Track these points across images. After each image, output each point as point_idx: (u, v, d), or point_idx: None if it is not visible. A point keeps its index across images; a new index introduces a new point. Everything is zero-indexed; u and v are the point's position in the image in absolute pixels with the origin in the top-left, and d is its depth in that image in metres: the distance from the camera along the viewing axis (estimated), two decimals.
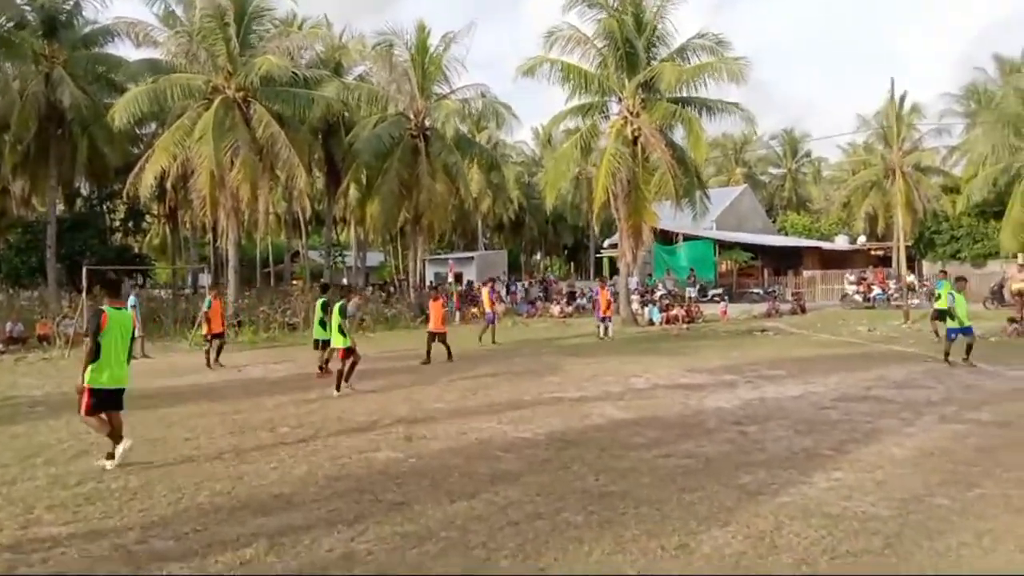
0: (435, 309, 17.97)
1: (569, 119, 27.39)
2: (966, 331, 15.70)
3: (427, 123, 30.10)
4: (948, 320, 15.94)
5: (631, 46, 25.07)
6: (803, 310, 31.29)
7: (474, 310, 31.18)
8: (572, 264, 64.07)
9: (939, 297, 20.40)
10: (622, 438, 9.52)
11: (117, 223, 40.25)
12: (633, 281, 29.76)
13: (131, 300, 20.43)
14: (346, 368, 13.42)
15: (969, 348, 15.77)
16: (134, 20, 30.03)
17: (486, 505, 6.87)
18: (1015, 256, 37.25)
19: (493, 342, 21.92)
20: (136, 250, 41.75)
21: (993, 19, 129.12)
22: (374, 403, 12.35)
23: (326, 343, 15.07)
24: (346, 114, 32.99)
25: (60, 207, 32.68)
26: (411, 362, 17.72)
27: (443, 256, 46.46)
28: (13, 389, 14.70)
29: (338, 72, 32.67)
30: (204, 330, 18.03)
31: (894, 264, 42.12)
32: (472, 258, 42.79)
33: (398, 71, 29.71)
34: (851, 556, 5.58)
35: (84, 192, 38.14)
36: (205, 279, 25.00)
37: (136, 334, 19.83)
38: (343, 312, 13.61)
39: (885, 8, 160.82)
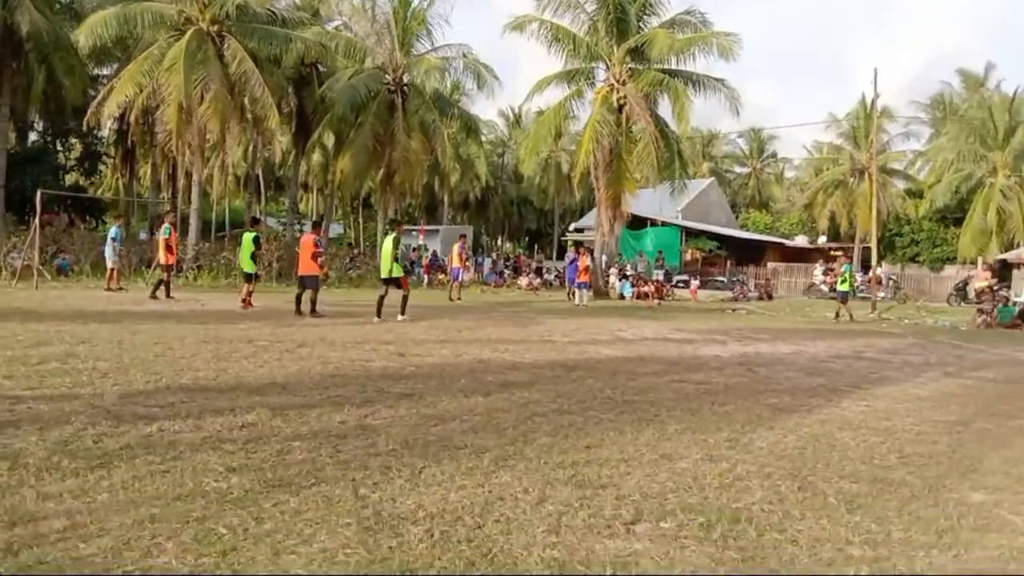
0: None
1: (554, 86, 26.73)
2: None
3: (405, 79, 29.15)
4: None
5: (622, 11, 24.51)
6: (770, 296, 31.24)
7: (441, 276, 30.47)
8: (535, 247, 63.55)
9: (844, 280, 21.79)
10: (628, 368, 8.98)
11: (72, 163, 38.26)
12: (603, 258, 29.27)
13: (112, 232, 19.24)
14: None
15: None
16: None
17: (505, 402, 6.27)
18: (973, 263, 38.05)
19: (458, 298, 21.37)
20: (90, 194, 39.77)
21: (952, 39, 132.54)
22: (357, 331, 11.58)
23: (253, 276, 15.28)
24: (320, 67, 31.77)
25: (11, 140, 30.79)
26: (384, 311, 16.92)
27: (408, 228, 45.46)
28: None
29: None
30: (162, 259, 16.96)
31: (855, 259, 42.70)
32: (438, 231, 41.85)
33: (379, 23, 28.72)
34: (920, 457, 5.13)
35: (38, 127, 36.11)
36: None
37: (112, 264, 18.87)
38: (396, 243, 14.21)
39: (847, 18, 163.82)
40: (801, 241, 48.94)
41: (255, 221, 17.92)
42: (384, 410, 5.61)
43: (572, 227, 50.27)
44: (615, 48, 25.23)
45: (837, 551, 3.31)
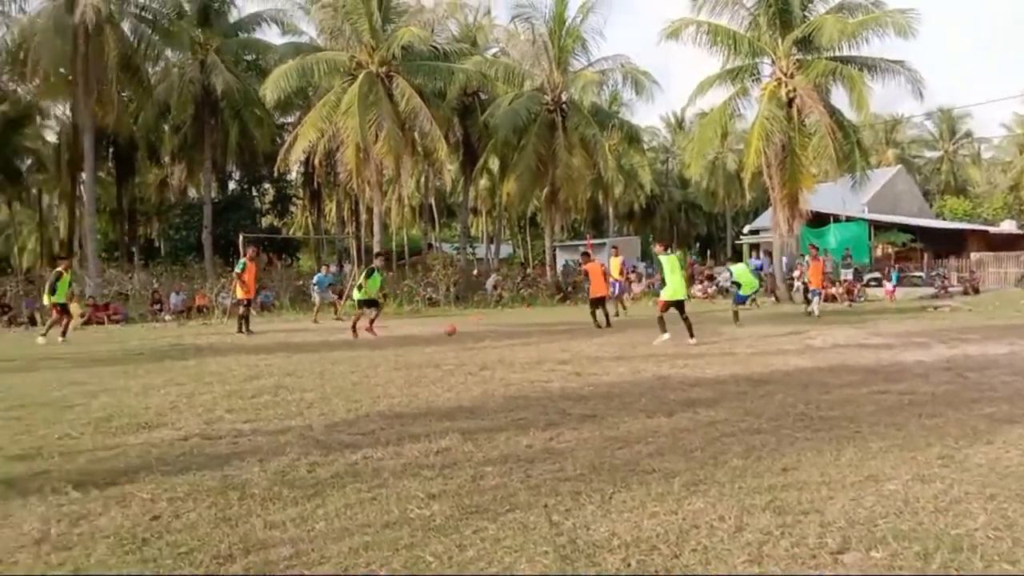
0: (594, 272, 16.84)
1: (716, 85, 26.01)
2: None
3: (564, 97, 29.56)
4: None
5: (785, 2, 23.53)
6: (976, 291, 28.49)
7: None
8: (707, 253, 61.95)
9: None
10: (820, 379, 8.49)
11: (266, 206, 42.17)
12: (783, 261, 27.82)
13: (316, 278, 21.97)
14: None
15: None
16: (281, 7, 31.43)
17: (690, 421, 6.13)
18: None
19: (622, 311, 20.29)
20: (283, 233, 43.58)
21: None
22: (533, 351, 11.81)
23: (368, 303, 15.27)
24: (482, 95, 32.97)
25: (213, 190, 34.42)
26: (557, 328, 17.14)
27: (574, 243, 45.75)
28: (180, 340, 15.23)
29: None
30: (239, 294, 17.10)
31: None
32: (604, 244, 41.84)
33: (536, 45, 29.38)
34: None
35: (235, 176, 40.15)
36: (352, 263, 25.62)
37: (319, 299, 20.86)
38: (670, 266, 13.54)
39: None
40: (1008, 227, 44.22)
41: (376, 255, 18.52)
42: (568, 432, 5.67)
43: (746, 229, 48.42)
44: (780, 41, 24.22)
45: None
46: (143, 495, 4.22)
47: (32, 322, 21.34)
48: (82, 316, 21.33)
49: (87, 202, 29.46)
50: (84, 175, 31.62)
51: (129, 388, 8.34)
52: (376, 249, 27.63)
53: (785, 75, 24.12)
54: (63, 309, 15.30)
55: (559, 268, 36.14)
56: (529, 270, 38.96)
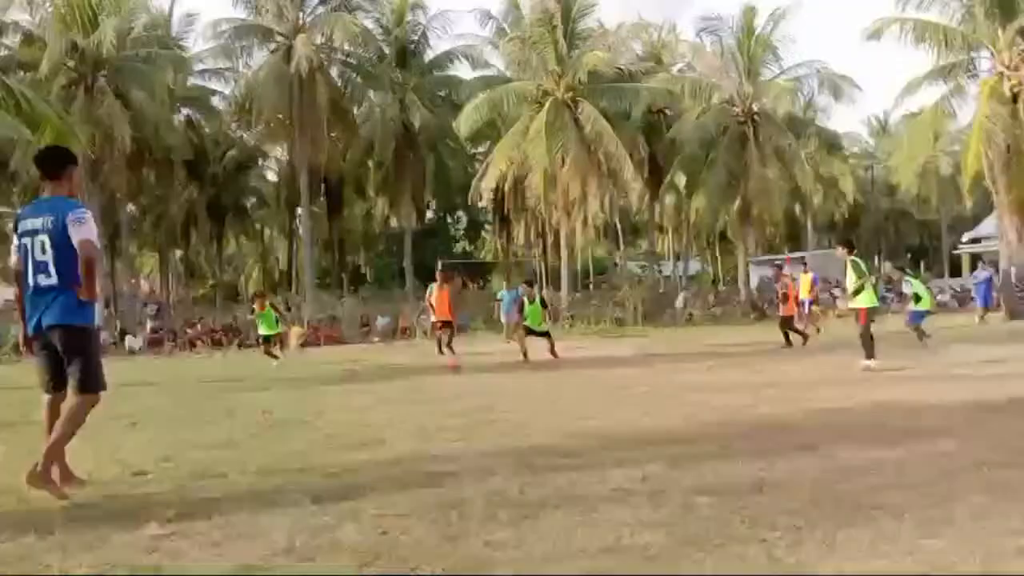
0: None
1: (925, 85, 24.02)
2: None
3: (755, 107, 28.59)
4: None
5: None
6: None
7: (813, 308, 28.73)
8: (921, 265, 56.99)
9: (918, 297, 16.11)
10: None
11: (460, 233, 44.29)
12: (1013, 271, 24.91)
13: (501, 294, 23.41)
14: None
15: None
16: (471, 43, 33.04)
17: (916, 453, 5.65)
18: None
19: (817, 331, 19.07)
20: (476, 258, 45.50)
21: None
22: (731, 373, 11.46)
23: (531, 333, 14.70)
24: (667, 112, 32.68)
25: (412, 219, 36.64)
26: (756, 349, 16.47)
27: (769, 258, 43.84)
28: (389, 360, 16.32)
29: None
30: (433, 317, 17.49)
31: None
32: (803, 258, 39.72)
33: (724, 57, 28.75)
34: None
35: (432, 206, 42.56)
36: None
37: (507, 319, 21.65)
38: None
39: None
40: None
41: (525, 283, 18.19)
42: (780, 463, 5.43)
43: (965, 238, 44.19)
44: (1000, 31, 22.02)
45: None
46: (371, 511, 4.54)
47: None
48: (300, 338, 23.42)
49: (304, 234, 32.43)
50: (300, 210, 34.82)
51: (348, 407, 9.05)
52: (563, 271, 28.20)
53: (1008, 68, 21.85)
54: (268, 341, 16.70)
55: (753, 285, 34.76)
56: (721, 287, 37.82)
